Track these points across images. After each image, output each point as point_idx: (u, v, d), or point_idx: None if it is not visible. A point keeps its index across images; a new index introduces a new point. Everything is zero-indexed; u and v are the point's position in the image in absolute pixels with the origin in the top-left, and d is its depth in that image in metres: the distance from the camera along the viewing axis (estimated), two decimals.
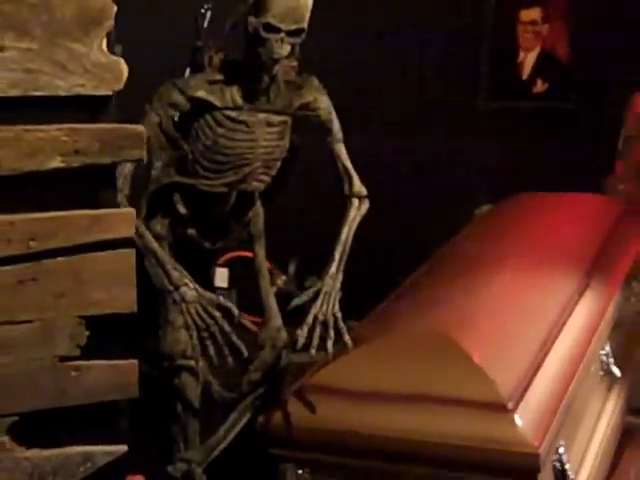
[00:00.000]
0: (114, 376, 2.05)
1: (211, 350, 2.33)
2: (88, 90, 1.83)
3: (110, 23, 1.81)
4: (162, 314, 2.47)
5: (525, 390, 2.11)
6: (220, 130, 2.36)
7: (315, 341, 2.28)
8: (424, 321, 2.35)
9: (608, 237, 3.12)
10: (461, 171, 3.64)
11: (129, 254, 1.99)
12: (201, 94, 2.33)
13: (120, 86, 1.85)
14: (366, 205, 2.53)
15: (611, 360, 2.69)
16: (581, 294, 2.68)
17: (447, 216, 3.61)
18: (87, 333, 1.98)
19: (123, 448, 2.09)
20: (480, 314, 2.39)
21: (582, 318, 2.58)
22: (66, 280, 1.94)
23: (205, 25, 3.35)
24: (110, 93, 1.85)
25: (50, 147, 1.83)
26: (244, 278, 3.10)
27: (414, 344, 2.22)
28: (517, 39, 3.64)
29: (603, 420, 2.67)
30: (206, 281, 2.86)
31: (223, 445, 2.56)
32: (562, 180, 3.55)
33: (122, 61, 1.84)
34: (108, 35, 1.82)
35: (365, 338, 2.33)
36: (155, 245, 2.38)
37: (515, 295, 2.55)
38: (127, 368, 2.06)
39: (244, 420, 2.59)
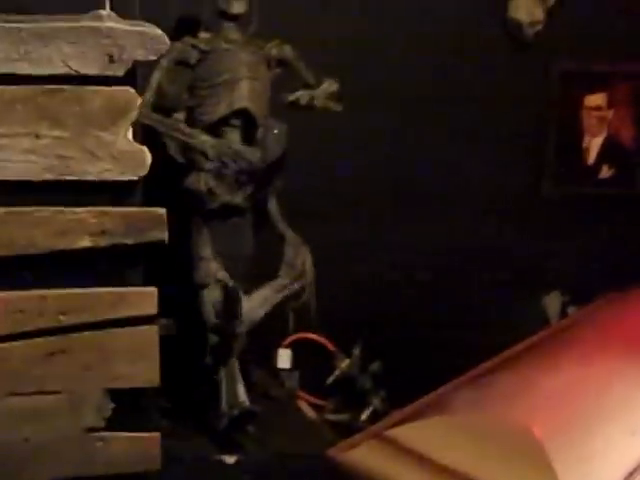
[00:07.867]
0: (137, 448, 2.14)
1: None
2: (115, 175, 2.00)
3: (134, 114, 1.99)
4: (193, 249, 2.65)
5: None
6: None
7: None
8: (513, 408, 2.26)
9: None
10: (526, 255, 3.60)
11: (152, 331, 2.11)
12: None
13: (144, 172, 2.01)
14: None
15: None
16: None
17: (512, 301, 3.60)
18: (112, 405, 2.10)
19: None
20: (571, 416, 2.30)
21: None
22: (93, 353, 2.07)
23: None
24: (135, 178, 2.02)
25: (80, 227, 2.00)
26: (308, 360, 3.21)
27: (496, 430, 2.17)
28: (582, 124, 3.62)
29: None
30: (269, 362, 3.07)
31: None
32: (628, 268, 3.44)
33: (145, 149, 2.01)
34: (132, 125, 2.00)
35: (453, 408, 2.33)
36: (167, 118, 2.59)
37: (610, 404, 2.41)
38: (150, 441, 2.16)
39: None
